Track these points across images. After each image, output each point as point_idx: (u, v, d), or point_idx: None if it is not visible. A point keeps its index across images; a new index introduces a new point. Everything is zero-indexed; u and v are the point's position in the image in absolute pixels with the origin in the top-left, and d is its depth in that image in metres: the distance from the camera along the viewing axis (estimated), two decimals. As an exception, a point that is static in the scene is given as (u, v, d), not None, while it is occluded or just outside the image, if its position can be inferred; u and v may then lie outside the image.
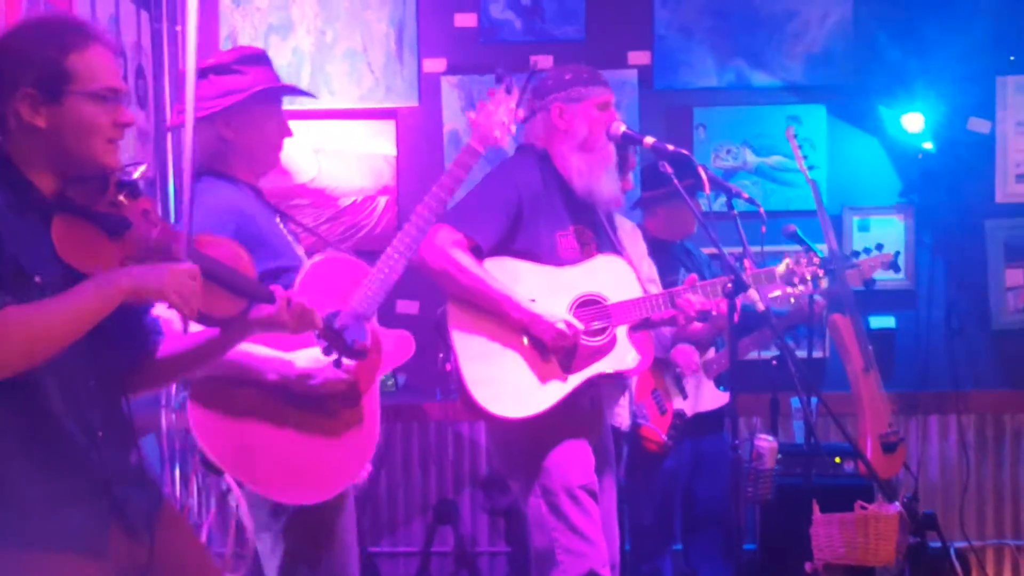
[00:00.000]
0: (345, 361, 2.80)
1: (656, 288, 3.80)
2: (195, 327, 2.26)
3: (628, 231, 4.13)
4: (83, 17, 2.58)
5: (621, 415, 3.95)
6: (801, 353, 4.54)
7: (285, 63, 5.06)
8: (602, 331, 3.34)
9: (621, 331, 3.37)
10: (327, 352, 2.80)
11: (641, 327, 3.47)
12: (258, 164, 3.02)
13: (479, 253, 3.31)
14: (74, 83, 2.07)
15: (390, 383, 4.91)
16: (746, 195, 3.39)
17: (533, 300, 3.28)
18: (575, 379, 3.32)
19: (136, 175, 2.17)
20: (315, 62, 5.16)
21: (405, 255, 2.96)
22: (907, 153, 5.09)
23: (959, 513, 5.07)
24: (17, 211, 2.02)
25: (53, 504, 2.04)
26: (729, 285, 3.28)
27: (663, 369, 4.27)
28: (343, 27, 5.17)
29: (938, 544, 4.58)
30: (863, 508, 3.58)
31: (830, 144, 5.12)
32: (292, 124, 3.09)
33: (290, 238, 3.02)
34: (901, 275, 4.79)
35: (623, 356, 3.37)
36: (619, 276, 3.42)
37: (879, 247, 4.44)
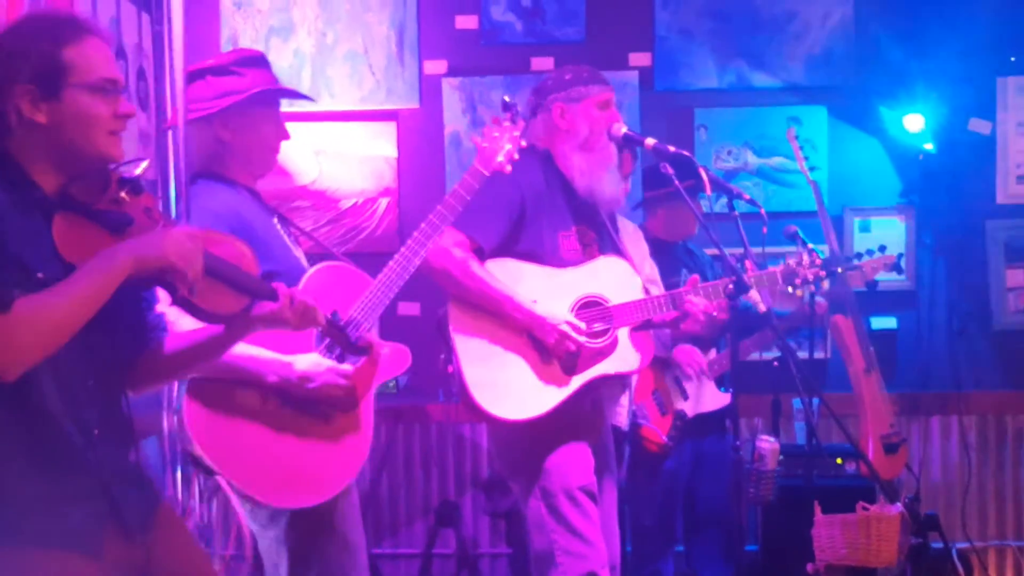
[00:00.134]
0: (345, 367, 2.81)
1: (657, 289, 3.80)
2: (197, 323, 2.26)
3: (630, 232, 4.13)
4: (76, 11, 2.58)
5: (621, 414, 3.95)
6: (803, 354, 4.53)
7: (286, 65, 5.06)
8: (603, 333, 3.34)
9: (623, 332, 3.37)
10: (331, 348, 2.80)
11: (642, 328, 3.47)
12: (255, 166, 3.02)
13: (481, 254, 3.31)
14: (72, 76, 2.07)
15: (391, 385, 4.90)
16: (747, 196, 3.40)
17: (535, 301, 3.28)
18: (576, 381, 3.32)
19: (138, 172, 2.17)
20: (316, 64, 5.16)
21: (405, 271, 2.95)
22: (908, 154, 5.09)
23: (961, 514, 5.07)
24: (19, 209, 2.02)
25: (50, 503, 2.04)
26: (731, 286, 3.28)
27: (664, 370, 4.27)
28: (344, 29, 5.17)
29: (940, 545, 4.57)
30: (865, 509, 3.58)
31: (831, 145, 5.12)
32: (293, 126, 3.09)
33: (288, 241, 3.01)
34: (902, 276, 4.79)
35: (625, 357, 3.37)
36: (621, 277, 3.42)
37: (882, 248, 4.44)
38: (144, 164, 2.22)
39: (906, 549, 3.68)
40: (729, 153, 5.14)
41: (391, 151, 5.18)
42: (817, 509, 3.61)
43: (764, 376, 3.84)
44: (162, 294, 2.22)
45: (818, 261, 3.58)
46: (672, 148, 3.35)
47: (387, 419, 5.09)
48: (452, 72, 5.16)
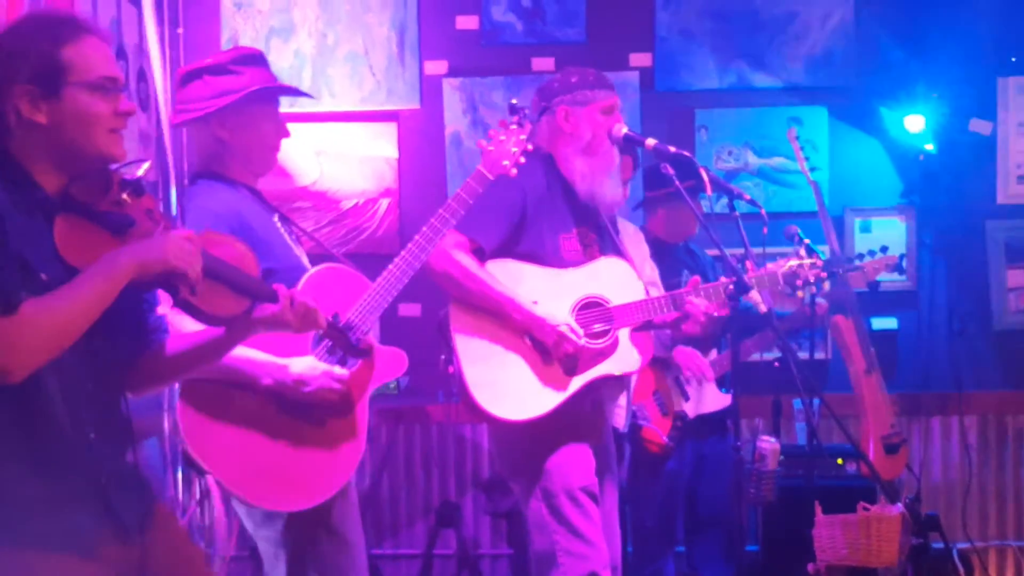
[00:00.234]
0: (341, 371, 2.80)
1: (657, 292, 3.80)
2: (197, 325, 2.27)
3: (631, 234, 4.13)
4: (74, 10, 2.58)
5: (620, 415, 3.95)
6: (803, 354, 4.54)
7: (287, 66, 5.06)
8: (604, 333, 3.34)
9: (623, 333, 3.37)
10: (331, 351, 2.80)
11: (643, 329, 3.47)
12: (255, 165, 3.01)
13: (482, 255, 3.31)
14: (71, 75, 2.06)
15: (392, 385, 4.90)
16: (748, 196, 3.40)
17: (535, 302, 3.28)
18: (577, 382, 3.31)
19: (140, 173, 2.17)
20: (316, 65, 5.16)
21: (405, 275, 2.95)
22: (908, 154, 5.09)
23: (961, 514, 5.07)
24: (21, 209, 2.01)
25: (48, 505, 2.04)
26: (731, 287, 3.28)
27: (664, 370, 4.27)
28: (344, 30, 5.17)
29: (941, 545, 4.57)
30: (865, 509, 3.58)
31: (832, 145, 5.12)
32: (293, 127, 3.08)
33: (288, 240, 3.01)
34: (903, 276, 4.79)
35: (625, 358, 3.37)
36: (622, 278, 3.42)
37: (883, 249, 4.44)
38: (146, 165, 2.22)
39: (907, 549, 3.68)
40: (730, 153, 5.15)
41: (392, 152, 5.18)
42: (818, 509, 3.61)
43: (765, 377, 3.84)
44: (163, 296, 2.22)
45: (819, 262, 3.58)
46: (673, 148, 3.35)
47: (388, 420, 5.09)
48: (453, 72, 5.16)
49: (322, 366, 2.79)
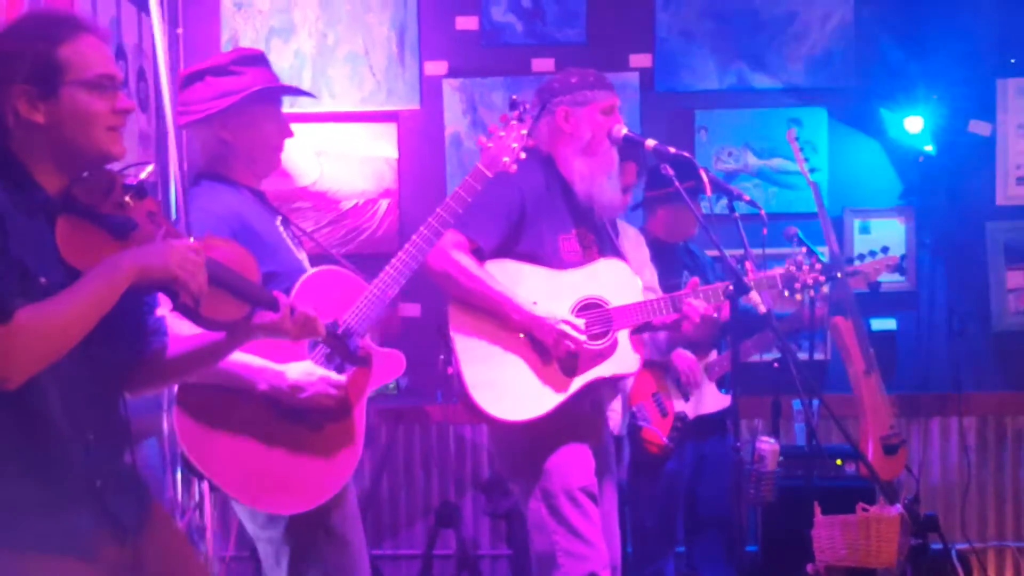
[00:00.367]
0: (338, 377, 2.80)
1: (655, 296, 3.80)
2: (196, 329, 2.26)
3: (631, 237, 4.13)
4: (71, 9, 2.58)
5: (613, 419, 3.95)
6: (802, 355, 4.54)
7: (287, 66, 5.06)
8: (603, 334, 3.34)
9: (622, 335, 3.37)
10: (330, 359, 2.79)
11: (642, 330, 3.47)
12: (258, 166, 3.00)
13: (481, 255, 3.31)
14: (68, 74, 2.05)
15: (392, 386, 4.91)
16: (747, 197, 3.40)
17: (534, 303, 3.28)
18: (576, 382, 3.32)
19: (142, 176, 2.17)
20: (316, 65, 5.16)
21: (403, 275, 2.94)
22: (908, 155, 5.09)
23: (960, 515, 5.07)
24: (22, 210, 2.00)
25: (45, 507, 2.03)
26: (731, 288, 3.28)
27: (664, 372, 4.27)
28: (344, 30, 5.17)
29: (940, 546, 4.57)
30: (864, 510, 3.58)
31: (831, 146, 5.12)
32: (293, 127, 3.08)
33: (290, 242, 3.00)
34: (902, 277, 4.79)
35: (624, 359, 3.37)
36: (621, 279, 3.42)
37: (884, 250, 4.44)
38: (149, 168, 2.22)
39: (906, 550, 3.68)
40: (729, 154, 5.15)
41: (392, 152, 5.18)
42: (817, 510, 3.61)
43: (764, 377, 3.85)
44: (162, 298, 2.22)
45: (818, 266, 3.58)
46: (672, 149, 3.35)
47: (387, 420, 5.09)
48: (453, 73, 5.16)
49: (319, 371, 2.79)
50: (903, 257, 4.44)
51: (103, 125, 2.09)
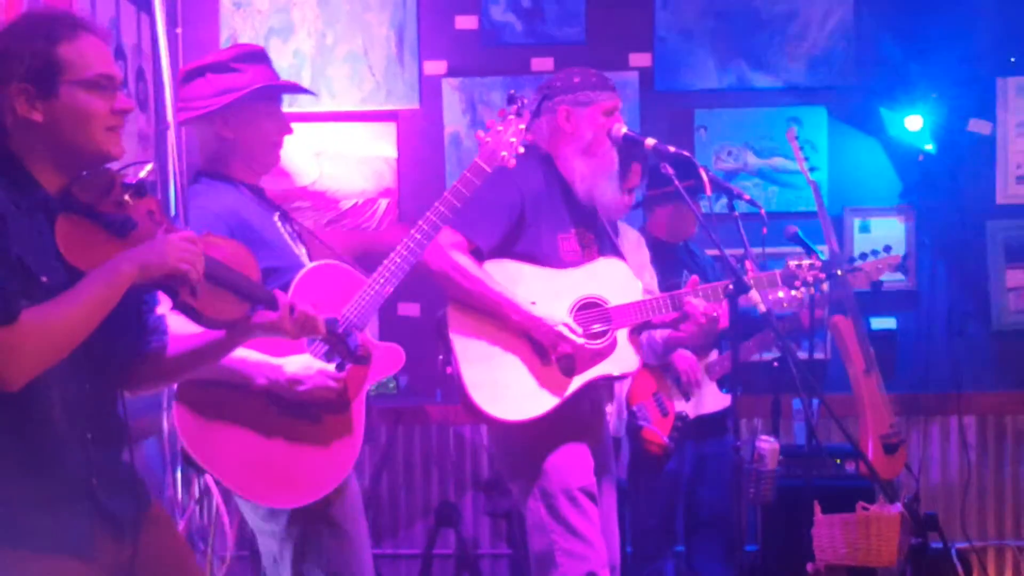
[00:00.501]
0: (338, 373, 2.80)
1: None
2: (197, 328, 2.26)
3: (632, 239, 4.13)
4: (70, 9, 2.57)
5: (608, 422, 3.94)
6: (802, 354, 4.54)
7: (286, 66, 5.06)
8: (602, 334, 3.34)
9: (622, 334, 3.37)
10: (329, 356, 2.79)
11: (641, 330, 3.47)
12: (258, 163, 3.00)
13: (479, 255, 3.30)
14: (66, 73, 2.05)
15: (391, 385, 4.91)
16: (747, 196, 3.40)
17: (533, 303, 3.28)
18: (575, 382, 3.31)
19: (142, 175, 2.17)
20: (316, 65, 5.16)
21: (401, 270, 2.94)
22: (908, 154, 5.09)
23: (960, 514, 5.07)
24: (23, 210, 2.01)
25: (43, 506, 2.03)
26: (731, 287, 3.28)
27: (665, 371, 4.27)
28: (344, 30, 5.17)
29: (939, 545, 4.57)
30: (865, 509, 3.58)
31: (831, 145, 5.12)
32: (293, 127, 3.08)
33: (288, 239, 3.00)
34: (903, 276, 4.79)
35: (623, 359, 3.37)
36: (620, 279, 3.42)
37: (887, 249, 4.44)
38: (148, 167, 2.22)
39: (906, 549, 3.68)
40: (729, 154, 5.15)
41: (391, 152, 5.18)
42: (817, 509, 3.61)
43: (764, 377, 3.85)
44: (162, 297, 2.22)
45: (817, 264, 3.58)
46: (672, 148, 3.34)
47: (387, 420, 5.09)
48: (452, 73, 5.16)
49: (317, 364, 2.79)
50: (905, 256, 4.44)
51: (102, 125, 2.09)
